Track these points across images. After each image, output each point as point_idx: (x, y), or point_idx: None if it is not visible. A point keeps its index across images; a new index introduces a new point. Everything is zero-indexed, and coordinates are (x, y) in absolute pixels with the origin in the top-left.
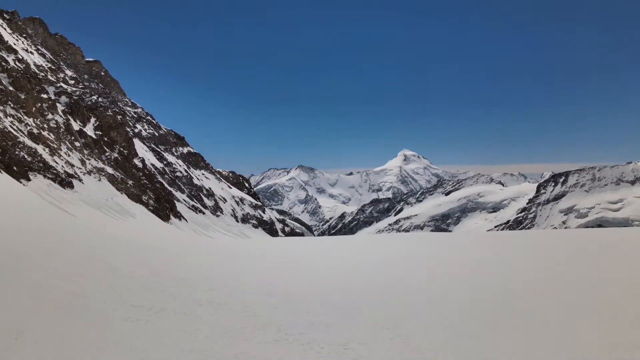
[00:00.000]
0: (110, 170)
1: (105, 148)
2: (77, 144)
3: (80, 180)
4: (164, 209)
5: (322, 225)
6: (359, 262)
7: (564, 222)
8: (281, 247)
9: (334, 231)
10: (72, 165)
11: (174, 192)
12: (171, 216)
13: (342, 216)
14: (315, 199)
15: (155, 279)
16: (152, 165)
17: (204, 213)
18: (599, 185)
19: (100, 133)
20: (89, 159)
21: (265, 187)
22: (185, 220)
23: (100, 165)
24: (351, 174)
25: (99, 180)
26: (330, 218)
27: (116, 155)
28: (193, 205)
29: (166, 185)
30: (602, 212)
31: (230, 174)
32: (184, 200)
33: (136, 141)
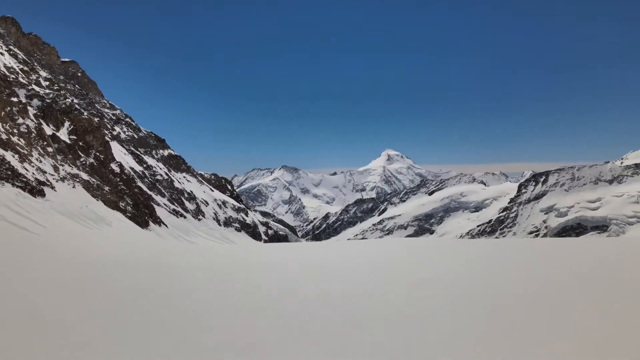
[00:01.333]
0: (85, 176)
1: (80, 153)
2: (49, 149)
3: (53, 187)
4: (143, 215)
5: (306, 225)
6: (350, 287)
7: (544, 222)
8: (266, 258)
9: (318, 232)
10: (44, 172)
11: (153, 196)
12: (150, 222)
13: (326, 216)
14: (299, 199)
15: (91, 349)
16: (132, 168)
17: (185, 217)
18: (578, 185)
19: (74, 137)
20: (62, 165)
21: (248, 187)
22: (166, 225)
23: (75, 171)
24: (335, 174)
25: (73, 187)
26: (315, 218)
27: (92, 160)
28: (174, 210)
29: (146, 189)
30: (582, 211)
31: (213, 177)
32: (165, 205)
33: (115, 144)
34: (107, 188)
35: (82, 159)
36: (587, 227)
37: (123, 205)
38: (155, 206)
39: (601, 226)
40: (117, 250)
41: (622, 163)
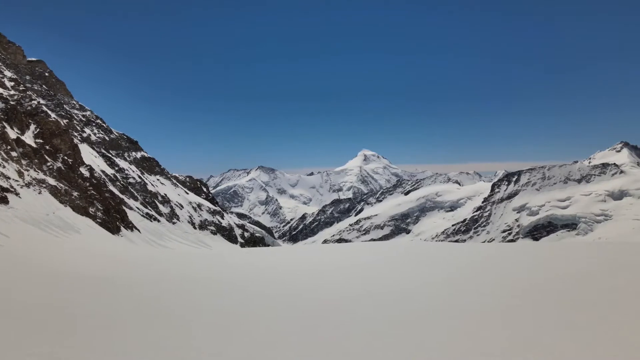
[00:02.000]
0: (52, 181)
1: (46, 157)
2: (13, 154)
3: (17, 194)
4: (114, 220)
5: (283, 226)
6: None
7: (517, 220)
8: (247, 272)
9: (295, 232)
10: (8, 178)
11: (126, 199)
12: (122, 227)
13: (303, 217)
14: (276, 199)
15: None
16: (102, 171)
17: (159, 221)
18: (548, 184)
19: (41, 141)
20: (27, 170)
21: (225, 188)
22: (138, 230)
23: (41, 176)
24: (312, 174)
25: (39, 193)
26: (292, 219)
27: (59, 164)
28: (147, 213)
29: (117, 193)
30: (552, 209)
31: (188, 179)
32: (137, 208)
33: (85, 146)
34: (75, 193)
35: (48, 164)
36: (558, 225)
37: (93, 210)
38: (127, 210)
39: (570, 224)
40: (85, 260)
41: (589, 163)
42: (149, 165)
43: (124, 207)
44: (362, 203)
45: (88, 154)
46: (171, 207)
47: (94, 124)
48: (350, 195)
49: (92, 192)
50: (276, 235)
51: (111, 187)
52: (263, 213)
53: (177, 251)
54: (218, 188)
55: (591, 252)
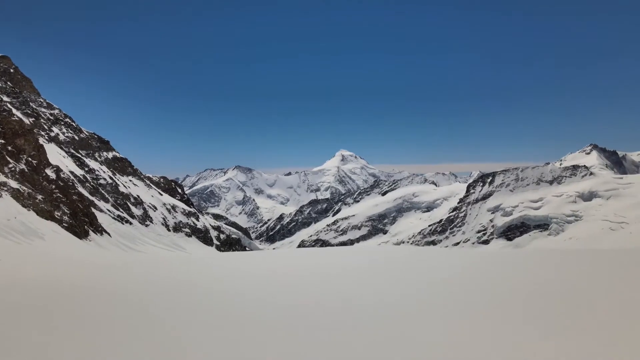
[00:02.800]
0: (14, 184)
1: (8, 159)
2: None
3: None
4: (82, 224)
5: (260, 227)
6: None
7: (491, 221)
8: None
9: (272, 233)
10: None
11: (96, 201)
12: (90, 232)
13: (281, 217)
14: (253, 199)
15: None
16: (71, 172)
17: (131, 223)
18: (522, 185)
19: (3, 141)
20: None
21: (201, 188)
22: (109, 234)
23: (2, 179)
24: (289, 174)
25: (0, 196)
26: (269, 219)
27: (23, 166)
28: (119, 215)
29: (87, 194)
30: (525, 210)
31: (162, 180)
32: (108, 211)
33: (52, 146)
34: (40, 196)
35: (10, 165)
36: (531, 225)
37: (59, 214)
38: (97, 212)
39: (543, 225)
40: (50, 268)
41: (561, 164)
42: (121, 166)
43: (94, 210)
44: (339, 203)
45: (56, 154)
46: (144, 208)
47: (62, 123)
48: (328, 196)
49: (59, 194)
50: (253, 236)
51: (80, 189)
52: (240, 213)
53: (149, 255)
54: (194, 188)
55: (561, 261)
